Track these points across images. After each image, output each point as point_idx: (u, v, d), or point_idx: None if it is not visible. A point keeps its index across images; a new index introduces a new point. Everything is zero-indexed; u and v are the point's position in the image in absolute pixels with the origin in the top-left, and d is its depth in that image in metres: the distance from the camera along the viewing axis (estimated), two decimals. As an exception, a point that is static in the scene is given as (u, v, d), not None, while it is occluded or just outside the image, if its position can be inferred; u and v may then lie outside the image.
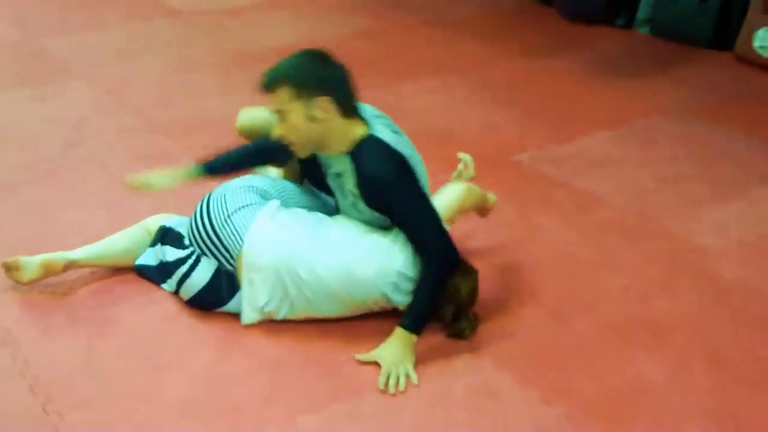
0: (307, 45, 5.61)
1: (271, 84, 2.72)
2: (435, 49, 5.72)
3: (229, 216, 2.90)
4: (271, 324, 2.86)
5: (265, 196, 2.99)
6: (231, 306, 2.92)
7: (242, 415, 2.53)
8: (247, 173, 3.16)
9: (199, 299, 2.94)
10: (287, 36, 6.00)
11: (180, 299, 2.99)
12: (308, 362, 2.74)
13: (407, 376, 2.68)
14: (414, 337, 2.73)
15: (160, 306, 3.00)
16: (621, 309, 3.02)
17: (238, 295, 2.89)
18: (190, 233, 2.97)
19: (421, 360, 2.74)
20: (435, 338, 2.84)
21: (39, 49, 5.84)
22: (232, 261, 2.88)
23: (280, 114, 2.73)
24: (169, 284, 3.02)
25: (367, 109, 2.91)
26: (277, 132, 2.76)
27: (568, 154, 4.14)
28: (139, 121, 4.57)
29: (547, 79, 5.14)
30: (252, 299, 2.87)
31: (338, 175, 2.87)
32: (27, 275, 3.04)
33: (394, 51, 5.70)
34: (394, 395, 2.61)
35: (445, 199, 3.06)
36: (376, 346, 2.77)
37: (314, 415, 2.53)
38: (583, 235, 3.47)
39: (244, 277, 2.86)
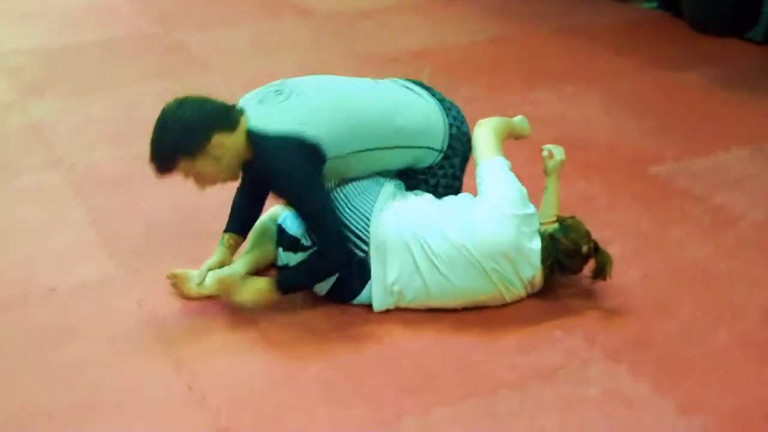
0: (439, 50, 5.77)
1: (167, 165, 2.83)
2: (566, 58, 5.70)
3: (349, 201, 2.97)
4: (408, 317, 2.90)
5: (378, 183, 3.06)
6: (364, 296, 2.97)
7: (380, 403, 2.59)
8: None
9: (333, 293, 3.01)
10: (419, 39, 6.05)
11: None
12: (445, 357, 2.78)
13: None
14: (273, 294, 2.91)
15: (299, 296, 3.08)
16: (761, 325, 2.97)
17: (370, 283, 2.95)
18: None
19: (557, 364, 2.76)
20: (572, 342, 2.85)
21: (177, 43, 6.03)
22: (363, 245, 2.94)
23: (195, 177, 2.86)
24: None
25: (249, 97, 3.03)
26: (203, 189, 2.91)
27: (705, 168, 4.08)
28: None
29: (680, 93, 5.07)
30: (381, 278, 2.92)
31: None
32: (195, 289, 3.06)
33: (526, 59, 5.69)
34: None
35: (481, 145, 3.11)
36: (515, 344, 2.82)
37: (450, 408, 2.57)
38: (720, 250, 3.42)
39: (374, 258, 2.92)
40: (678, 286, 3.18)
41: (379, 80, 3.22)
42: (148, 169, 4.05)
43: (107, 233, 3.54)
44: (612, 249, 3.21)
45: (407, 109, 3.09)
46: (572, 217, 3.06)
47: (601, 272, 2.98)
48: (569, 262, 2.98)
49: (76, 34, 6.17)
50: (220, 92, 5.11)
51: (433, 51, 5.80)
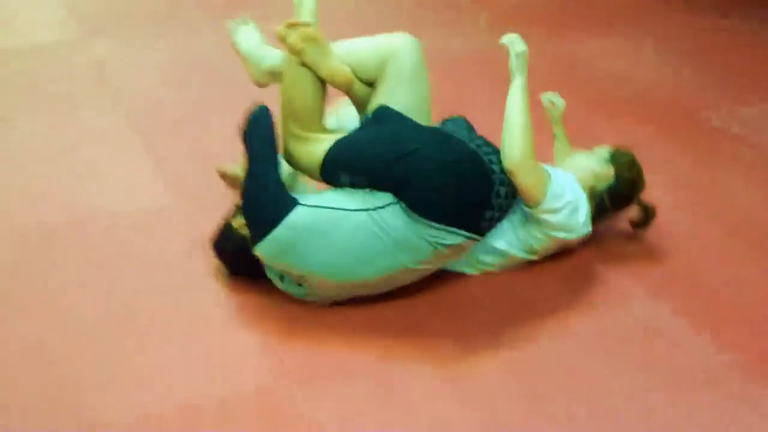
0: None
1: None
2: (625, 7, 5.66)
3: None
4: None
5: None
6: None
7: (425, 332, 2.68)
8: None
9: None
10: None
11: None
12: (489, 288, 2.87)
13: None
14: None
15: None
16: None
17: None
18: None
19: (599, 299, 2.82)
20: (616, 279, 2.91)
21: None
22: None
23: None
24: None
25: None
26: None
27: (759, 116, 4.07)
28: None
29: (739, 41, 5.02)
30: None
31: None
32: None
33: (583, 7, 5.65)
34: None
35: (528, 194, 2.80)
36: (560, 278, 2.88)
37: (491, 338, 2.66)
38: (770, 196, 3.43)
39: None
40: (727, 231, 3.20)
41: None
42: (207, 110, 4.19)
43: (166, 169, 3.65)
44: (663, 194, 3.25)
45: None
46: (630, 164, 3.02)
47: (643, 224, 3.05)
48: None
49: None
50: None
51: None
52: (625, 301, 2.80)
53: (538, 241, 2.87)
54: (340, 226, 2.64)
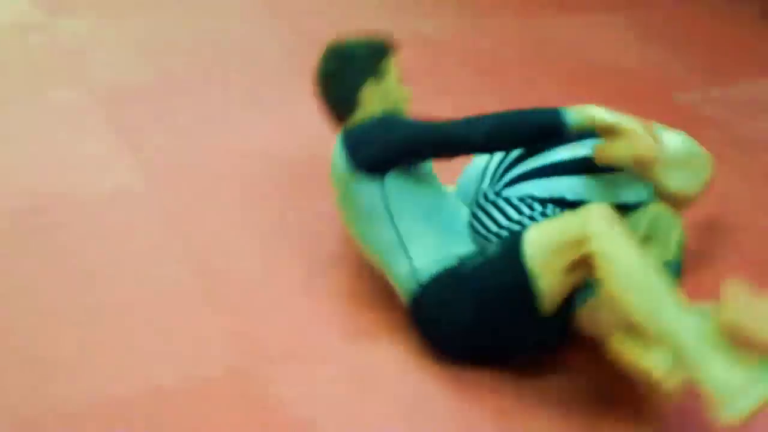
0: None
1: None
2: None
3: None
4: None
5: None
6: None
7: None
8: None
9: None
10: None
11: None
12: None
13: None
14: None
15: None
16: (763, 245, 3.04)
17: None
18: None
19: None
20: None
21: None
22: None
23: None
24: None
25: None
26: None
27: (731, 97, 4.09)
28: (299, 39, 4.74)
29: (713, 23, 5.04)
30: None
31: None
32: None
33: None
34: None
35: None
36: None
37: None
38: (743, 178, 3.45)
39: None
40: (693, 205, 3.23)
41: None
42: (175, 84, 4.16)
43: (134, 145, 3.62)
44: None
45: None
46: None
47: None
48: None
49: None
50: (240, 19, 5.21)
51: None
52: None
53: None
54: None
